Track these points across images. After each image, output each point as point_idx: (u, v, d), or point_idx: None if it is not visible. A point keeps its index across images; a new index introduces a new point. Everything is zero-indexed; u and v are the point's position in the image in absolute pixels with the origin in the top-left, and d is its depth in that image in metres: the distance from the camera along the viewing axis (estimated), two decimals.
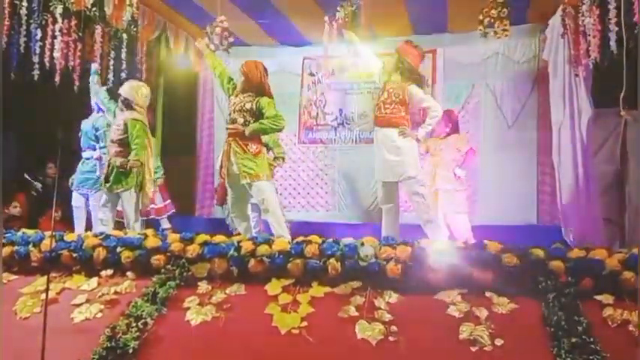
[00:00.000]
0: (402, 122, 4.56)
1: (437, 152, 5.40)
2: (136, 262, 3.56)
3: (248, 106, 4.49)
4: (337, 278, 3.25)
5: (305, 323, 3.00)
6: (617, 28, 3.94)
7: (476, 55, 6.42)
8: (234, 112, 4.53)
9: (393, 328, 2.90)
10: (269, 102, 4.51)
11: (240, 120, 4.44)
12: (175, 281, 3.34)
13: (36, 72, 5.17)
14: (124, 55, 5.92)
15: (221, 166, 4.50)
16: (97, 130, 5.45)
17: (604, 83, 4.80)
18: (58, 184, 4.67)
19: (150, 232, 3.99)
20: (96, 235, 3.80)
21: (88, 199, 5.33)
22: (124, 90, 4.92)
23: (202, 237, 3.63)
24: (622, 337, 2.77)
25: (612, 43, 3.96)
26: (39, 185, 6.68)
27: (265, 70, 4.76)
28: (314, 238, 3.49)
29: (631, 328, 2.80)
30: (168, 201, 6.14)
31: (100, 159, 5.32)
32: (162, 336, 3.05)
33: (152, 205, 5.79)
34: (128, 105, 4.85)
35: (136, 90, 4.95)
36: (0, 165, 3.36)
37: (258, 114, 4.43)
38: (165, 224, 5.95)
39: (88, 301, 3.37)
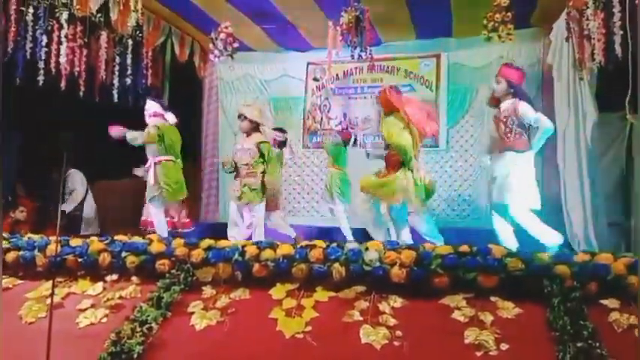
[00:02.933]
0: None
1: None
2: (140, 267, 3.56)
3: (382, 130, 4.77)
4: (341, 283, 3.25)
5: (309, 328, 2.99)
6: (621, 32, 3.94)
7: (480, 60, 6.42)
8: None
9: (398, 332, 2.89)
10: (388, 122, 4.67)
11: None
12: (180, 286, 3.34)
13: (41, 77, 5.21)
14: (129, 61, 5.97)
15: None
16: None
17: (609, 87, 4.79)
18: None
19: (154, 237, 4.00)
20: (101, 240, 3.81)
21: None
22: (251, 114, 5.02)
23: (207, 242, 3.63)
24: (628, 342, 2.74)
25: (617, 47, 3.95)
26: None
27: (394, 89, 4.86)
28: (318, 242, 3.48)
29: (637, 332, 2.78)
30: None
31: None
32: (166, 340, 3.05)
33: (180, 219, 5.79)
34: (256, 128, 5.00)
35: (260, 111, 5.09)
36: (0, 166, 3.39)
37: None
38: None
39: (93, 305, 3.37)
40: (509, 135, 4.46)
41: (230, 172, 5.19)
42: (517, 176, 4.40)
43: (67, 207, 6.40)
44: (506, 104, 4.52)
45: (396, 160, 4.67)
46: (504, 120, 4.49)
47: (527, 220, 4.39)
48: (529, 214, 4.40)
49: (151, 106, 5.36)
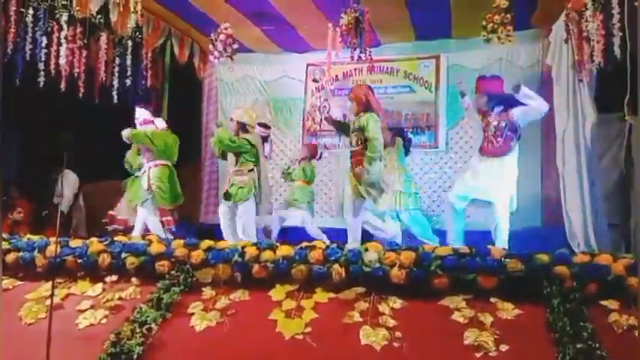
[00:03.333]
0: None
1: None
2: (140, 268, 3.56)
3: (357, 124, 4.75)
4: (341, 284, 3.25)
5: (309, 329, 2.99)
6: (620, 33, 3.94)
7: (479, 61, 6.43)
8: (351, 132, 4.86)
9: (398, 333, 2.90)
10: (369, 118, 4.69)
11: (354, 140, 4.81)
12: (180, 287, 3.35)
13: (41, 79, 5.21)
14: (128, 62, 5.97)
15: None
16: None
17: (608, 88, 4.80)
18: None
19: (154, 237, 4.00)
20: (101, 241, 3.81)
21: None
22: (239, 116, 5.10)
23: (206, 243, 3.64)
24: (628, 343, 2.75)
25: (616, 48, 3.96)
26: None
27: (370, 88, 5.04)
28: (318, 243, 3.50)
29: (637, 333, 2.78)
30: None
31: None
32: (166, 341, 3.05)
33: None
34: (244, 128, 5.05)
35: (249, 115, 5.16)
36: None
37: (364, 131, 4.68)
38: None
39: (92, 306, 3.38)
40: (498, 139, 4.66)
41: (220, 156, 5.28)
42: (504, 179, 4.65)
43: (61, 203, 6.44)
44: (498, 110, 4.73)
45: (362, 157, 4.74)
46: (496, 123, 4.69)
47: (506, 224, 4.65)
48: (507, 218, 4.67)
49: (141, 114, 5.42)
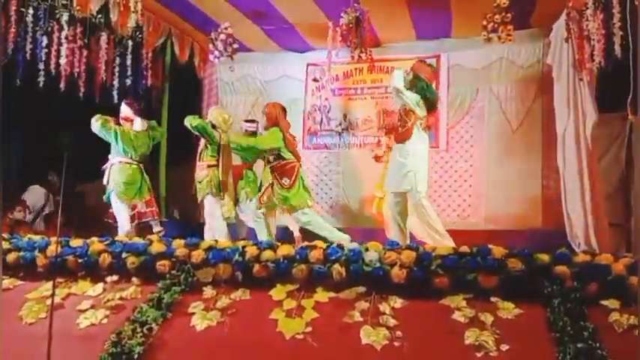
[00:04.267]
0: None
1: None
2: (141, 268, 3.57)
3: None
4: (342, 283, 3.25)
5: (309, 328, 3.00)
6: (621, 32, 3.93)
7: (480, 60, 6.42)
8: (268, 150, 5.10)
9: (398, 333, 2.90)
10: (271, 131, 5.05)
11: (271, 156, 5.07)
12: (180, 287, 3.35)
13: (41, 79, 5.21)
14: (129, 62, 5.97)
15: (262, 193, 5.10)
16: None
17: (609, 87, 4.79)
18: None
19: (155, 237, 4.01)
20: (101, 241, 3.82)
21: None
22: (213, 116, 5.27)
23: (207, 242, 3.65)
24: (628, 343, 2.75)
25: (617, 47, 3.95)
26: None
27: (283, 109, 5.28)
28: (318, 243, 3.51)
29: (637, 333, 2.78)
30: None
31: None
32: (167, 341, 3.06)
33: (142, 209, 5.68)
34: (213, 127, 5.20)
35: (223, 118, 5.24)
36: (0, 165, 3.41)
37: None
38: (157, 227, 5.66)
39: (93, 306, 3.39)
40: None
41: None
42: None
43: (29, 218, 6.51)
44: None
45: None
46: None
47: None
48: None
49: (123, 110, 5.45)
